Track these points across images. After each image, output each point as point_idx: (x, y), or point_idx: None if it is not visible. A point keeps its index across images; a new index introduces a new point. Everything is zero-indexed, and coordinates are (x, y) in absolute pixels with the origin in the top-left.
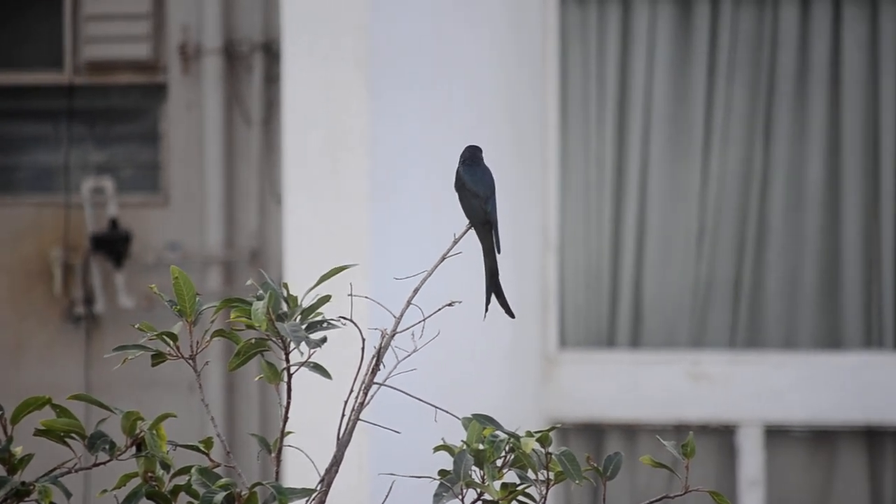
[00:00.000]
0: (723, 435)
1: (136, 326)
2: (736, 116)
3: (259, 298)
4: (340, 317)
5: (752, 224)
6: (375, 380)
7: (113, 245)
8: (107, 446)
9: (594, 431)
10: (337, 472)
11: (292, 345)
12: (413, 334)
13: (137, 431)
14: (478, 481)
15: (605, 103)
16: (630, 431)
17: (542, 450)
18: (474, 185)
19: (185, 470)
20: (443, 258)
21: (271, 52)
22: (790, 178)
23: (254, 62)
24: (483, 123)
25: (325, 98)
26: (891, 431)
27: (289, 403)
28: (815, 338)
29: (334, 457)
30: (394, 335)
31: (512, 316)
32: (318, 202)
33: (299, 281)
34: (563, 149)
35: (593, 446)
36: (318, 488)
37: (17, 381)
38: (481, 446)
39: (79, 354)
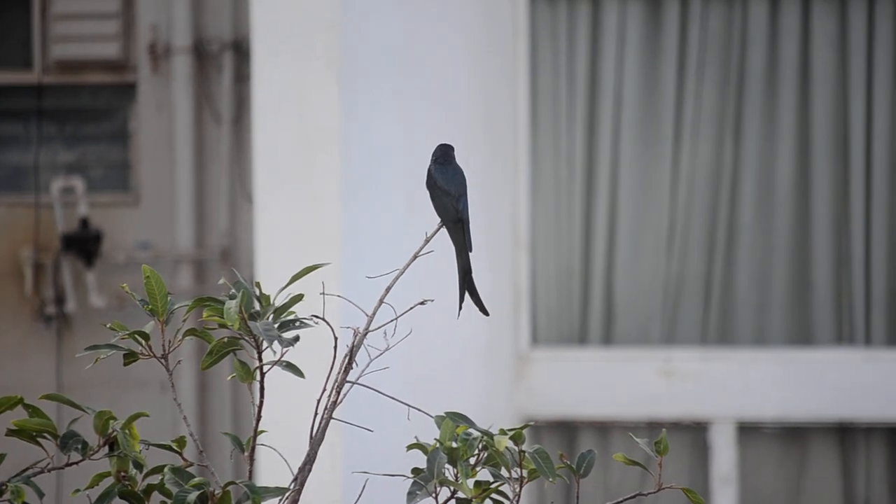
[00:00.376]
0: (695, 432)
1: (107, 326)
2: (706, 114)
3: (232, 297)
4: (313, 315)
5: (722, 221)
6: (348, 378)
7: (84, 244)
8: (79, 446)
9: (567, 429)
10: (310, 470)
11: (265, 344)
12: (385, 333)
13: (110, 431)
14: (451, 479)
15: (575, 101)
16: (603, 429)
17: (516, 448)
18: (446, 183)
19: (158, 469)
20: (415, 257)
21: (241, 50)
22: (760, 176)
23: (224, 61)
24: (454, 122)
25: (295, 97)
26: (862, 427)
27: (262, 402)
28: (786, 334)
29: (307, 455)
30: (366, 334)
31: (486, 313)
32: (290, 201)
33: (271, 280)
34: (533, 147)
35: (566, 444)
36: (292, 487)
37: None
38: (455, 444)
39: (50, 354)
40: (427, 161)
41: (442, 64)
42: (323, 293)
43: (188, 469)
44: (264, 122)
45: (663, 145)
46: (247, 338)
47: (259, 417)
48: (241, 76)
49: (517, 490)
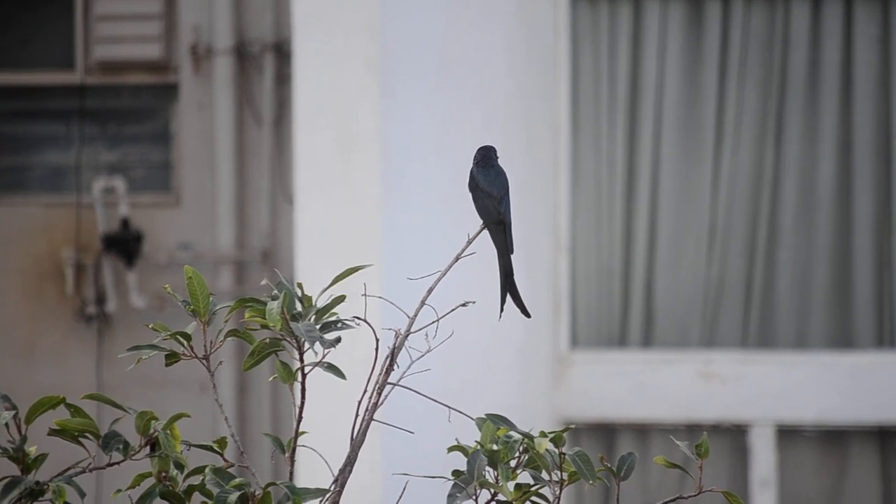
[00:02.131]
0: (734, 435)
1: (149, 326)
2: (747, 116)
3: (273, 298)
4: (354, 317)
5: (763, 224)
6: (389, 380)
7: (124, 245)
8: (121, 446)
9: (606, 431)
10: (351, 472)
11: (307, 345)
12: (427, 334)
13: (151, 431)
14: (492, 482)
15: (616, 103)
16: (642, 431)
17: (556, 450)
18: (488, 185)
19: (199, 470)
20: (457, 258)
21: (282, 52)
22: (802, 178)
23: (265, 62)
24: (494, 123)
25: (336, 98)
26: None
27: (303, 403)
28: (826, 337)
29: (348, 457)
30: (408, 335)
31: (528, 315)
32: (330, 202)
33: (311, 281)
34: (574, 149)
35: (605, 446)
36: (332, 488)
37: (30, 381)
38: (495, 447)
39: (90, 354)
40: (467, 163)
41: (482, 65)
42: (364, 294)
43: (229, 470)
44: (305, 124)
45: (704, 147)
46: (288, 339)
47: (300, 419)
48: (283, 77)
49: (557, 493)
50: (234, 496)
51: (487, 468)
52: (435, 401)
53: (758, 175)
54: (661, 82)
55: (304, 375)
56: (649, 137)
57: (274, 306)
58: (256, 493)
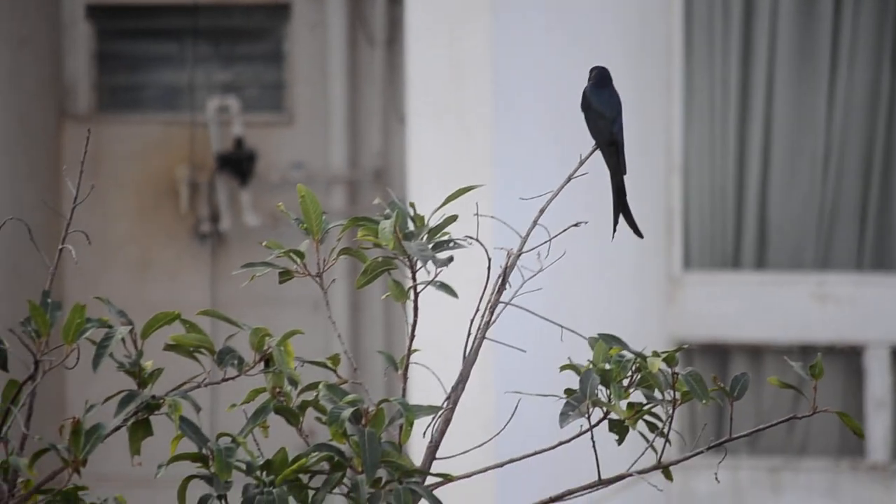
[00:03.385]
0: (849, 356)
1: (263, 244)
2: (863, 38)
3: (386, 217)
4: (467, 236)
5: (878, 146)
6: (501, 299)
7: (238, 164)
8: (235, 361)
9: (719, 352)
10: (463, 389)
11: (419, 264)
12: (539, 254)
13: (265, 347)
14: (604, 400)
15: (730, 25)
16: (755, 352)
17: (669, 370)
18: (601, 105)
19: (313, 386)
20: (569, 178)
21: None
22: None
23: None
24: (608, 47)
25: (448, 22)
26: None
27: (415, 321)
28: None
29: (460, 375)
30: (520, 255)
31: (640, 236)
32: (442, 124)
33: (423, 201)
34: (687, 69)
35: (718, 367)
36: (445, 406)
37: (145, 297)
38: (607, 366)
39: (204, 272)
40: (578, 85)
41: None
42: (476, 214)
43: (342, 386)
44: (417, 47)
45: (819, 70)
46: (401, 258)
47: (413, 336)
48: None
49: (670, 412)
50: (347, 412)
51: (600, 387)
52: (547, 320)
53: (873, 98)
54: (776, 3)
55: (416, 294)
56: (763, 58)
57: (387, 225)
58: (370, 409)
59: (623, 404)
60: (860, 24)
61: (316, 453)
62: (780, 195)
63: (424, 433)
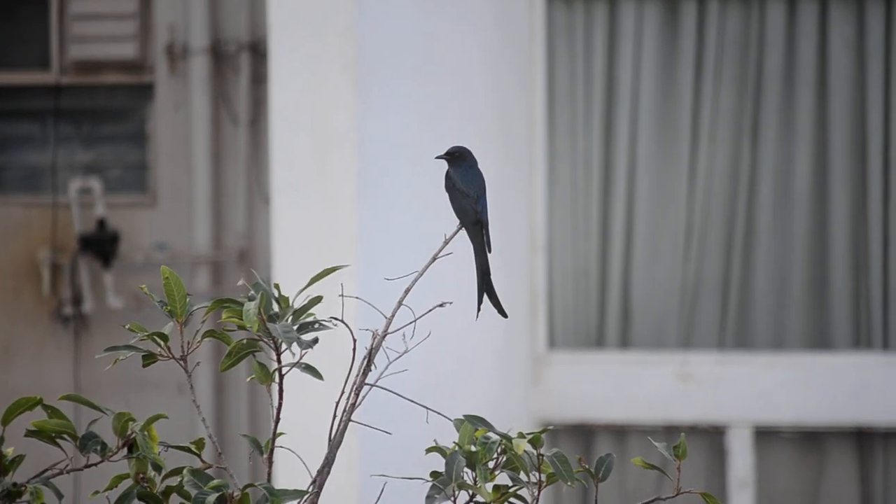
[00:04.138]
0: (712, 436)
1: (126, 327)
2: (723, 116)
3: (250, 299)
4: (332, 317)
5: (740, 224)
6: (367, 380)
7: (101, 245)
8: (98, 447)
9: (583, 432)
10: (329, 473)
11: (284, 345)
12: (404, 335)
13: (129, 432)
14: (470, 483)
15: (592, 103)
16: (619, 432)
17: (534, 451)
18: (465, 185)
19: (177, 471)
20: (434, 258)
21: (258, 52)
22: (778, 178)
23: (241, 62)
24: (470, 123)
25: (312, 99)
26: (880, 432)
27: (280, 404)
28: (803, 338)
29: (326, 458)
30: (385, 336)
31: (505, 315)
32: (306, 203)
33: (288, 281)
34: (550, 148)
35: (583, 447)
36: (310, 489)
37: (7, 381)
38: (473, 448)
39: (68, 355)
40: (443, 163)
41: (457, 65)
42: (341, 295)
43: (207, 471)
44: (281, 124)
45: (680, 147)
46: (266, 339)
47: (278, 419)
48: (259, 77)
49: (535, 494)
50: (212, 497)
51: (466, 469)
52: (413, 402)
53: (734, 175)
54: (637, 82)
55: (281, 376)
56: (625, 137)
57: (251, 307)
58: (234, 494)
59: (489, 487)
60: (720, 102)
61: None
62: (642, 274)
63: None
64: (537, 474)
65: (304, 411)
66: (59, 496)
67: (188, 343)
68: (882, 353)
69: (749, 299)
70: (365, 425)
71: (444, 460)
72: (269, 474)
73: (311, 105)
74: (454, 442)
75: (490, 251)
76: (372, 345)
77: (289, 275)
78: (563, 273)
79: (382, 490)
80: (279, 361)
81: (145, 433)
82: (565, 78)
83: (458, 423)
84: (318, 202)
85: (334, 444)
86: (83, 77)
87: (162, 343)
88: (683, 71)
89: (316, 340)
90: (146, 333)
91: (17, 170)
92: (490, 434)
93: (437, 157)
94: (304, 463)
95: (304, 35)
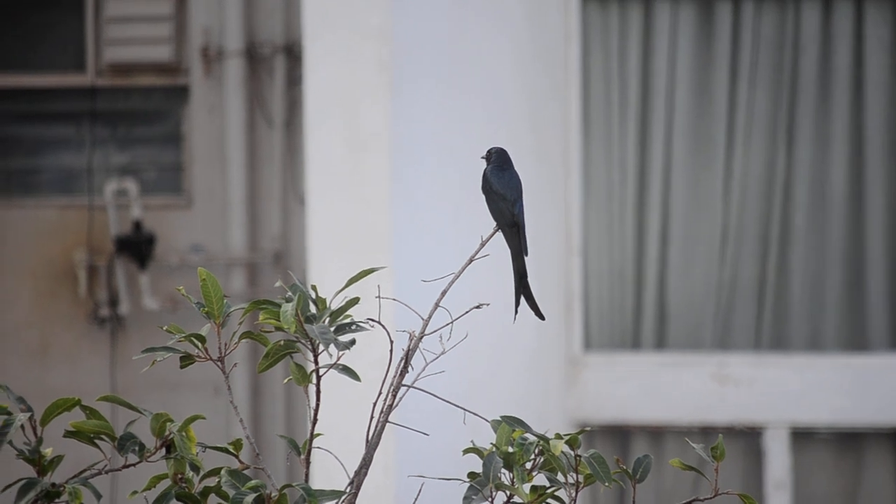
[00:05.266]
0: (749, 437)
1: (164, 328)
2: (758, 118)
3: (288, 300)
4: (369, 319)
5: (775, 226)
6: (404, 382)
7: (137, 247)
8: (136, 448)
9: (620, 433)
10: (366, 474)
11: (321, 347)
12: (441, 336)
13: (167, 433)
14: (507, 484)
15: (627, 105)
16: (655, 434)
17: (572, 452)
18: (502, 187)
19: (215, 472)
20: (470, 260)
21: (293, 54)
22: (813, 181)
23: (275, 64)
24: (504, 125)
25: (346, 100)
26: None
27: (318, 405)
28: (840, 339)
29: (363, 459)
30: (422, 337)
31: (542, 318)
32: (341, 204)
33: (323, 283)
34: (585, 151)
35: (619, 448)
36: (348, 490)
37: (43, 383)
38: (511, 449)
39: (104, 356)
40: (477, 164)
41: (491, 68)
42: (378, 296)
43: (245, 471)
44: (316, 126)
45: (716, 149)
46: (303, 341)
47: (315, 420)
48: (293, 79)
49: (573, 495)
50: (250, 498)
51: (503, 470)
52: (450, 403)
53: (769, 177)
54: (672, 84)
55: (318, 377)
56: (660, 139)
57: (288, 308)
58: (272, 494)
59: (526, 487)
60: (755, 103)
61: None
62: (678, 276)
63: None
64: (575, 475)
65: (341, 412)
66: (98, 496)
67: (225, 344)
68: None
69: (785, 301)
70: (402, 426)
71: (481, 461)
72: (307, 475)
73: (346, 107)
74: (491, 443)
75: (527, 254)
76: (409, 346)
77: (324, 276)
78: (598, 275)
79: (420, 491)
80: (316, 363)
81: (183, 434)
82: (600, 80)
83: (496, 424)
84: (353, 203)
85: (372, 445)
86: (119, 79)
87: (199, 344)
88: (719, 73)
89: (353, 342)
90: (184, 335)
91: (53, 172)
92: (527, 435)
93: (481, 158)
94: (341, 464)
95: (338, 37)
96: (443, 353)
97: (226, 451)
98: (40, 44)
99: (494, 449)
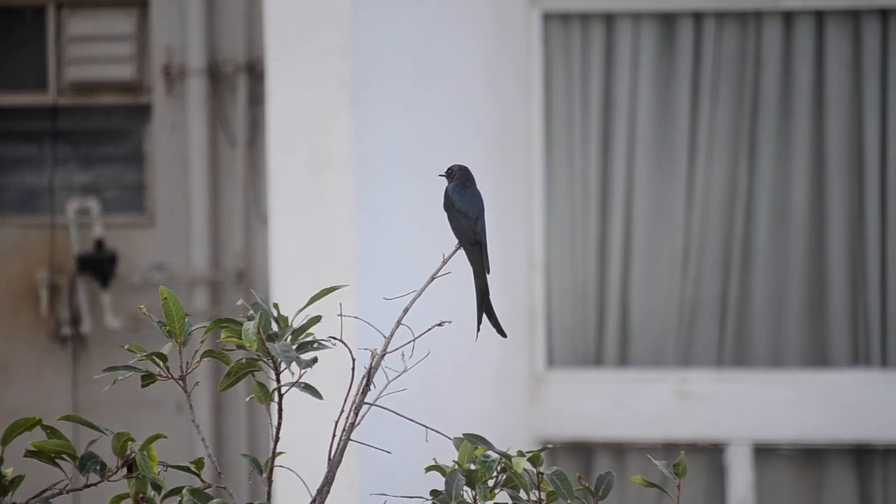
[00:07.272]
0: (711, 454)
1: (125, 347)
2: (720, 134)
3: (249, 318)
4: (331, 337)
5: (737, 242)
6: (366, 400)
7: (99, 266)
8: (98, 467)
9: (582, 450)
10: (328, 492)
11: (283, 365)
12: (403, 354)
13: (128, 452)
14: (469, 501)
15: (589, 121)
16: (618, 450)
17: (534, 469)
18: (464, 205)
19: (177, 491)
20: (432, 278)
21: (255, 72)
22: (775, 196)
23: (238, 83)
24: (468, 143)
25: (309, 119)
26: (879, 449)
27: (280, 423)
28: (802, 355)
29: (325, 477)
30: (384, 355)
31: (504, 335)
32: (304, 222)
33: (286, 301)
34: (548, 167)
35: (582, 465)
36: None
37: (5, 402)
38: (473, 466)
39: (66, 375)
40: (440, 182)
41: (454, 85)
42: (340, 314)
43: (206, 490)
44: (278, 144)
45: (678, 165)
46: (265, 359)
47: (277, 439)
48: (256, 98)
49: None
50: None
51: (465, 488)
52: (412, 420)
53: (731, 193)
54: (634, 100)
55: (280, 396)
56: (622, 155)
57: (250, 327)
58: None
59: None
60: (717, 120)
61: None
62: (641, 292)
63: None
64: (537, 493)
65: (303, 431)
66: None
67: (187, 363)
68: (880, 370)
69: (747, 317)
70: (364, 444)
71: (443, 479)
72: (269, 493)
73: (308, 125)
74: (454, 461)
75: (489, 272)
76: (371, 364)
77: (287, 295)
78: (561, 292)
79: None
80: (278, 381)
81: (145, 453)
82: (563, 96)
83: (458, 442)
84: (316, 222)
85: (334, 463)
86: (80, 98)
87: (161, 363)
88: (680, 89)
89: (315, 360)
90: (145, 353)
91: (14, 191)
92: (490, 452)
93: (440, 175)
94: (304, 482)
95: (300, 55)
96: (405, 371)
97: (188, 469)
98: (2, 63)
99: (457, 467)
